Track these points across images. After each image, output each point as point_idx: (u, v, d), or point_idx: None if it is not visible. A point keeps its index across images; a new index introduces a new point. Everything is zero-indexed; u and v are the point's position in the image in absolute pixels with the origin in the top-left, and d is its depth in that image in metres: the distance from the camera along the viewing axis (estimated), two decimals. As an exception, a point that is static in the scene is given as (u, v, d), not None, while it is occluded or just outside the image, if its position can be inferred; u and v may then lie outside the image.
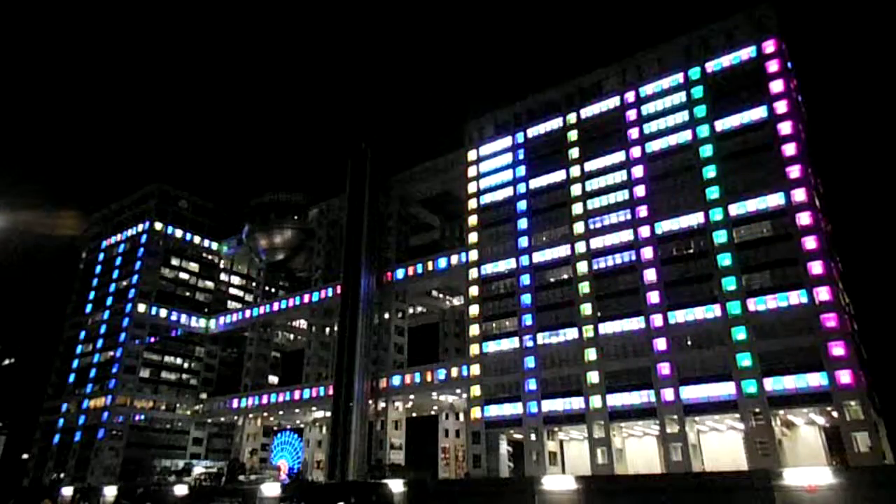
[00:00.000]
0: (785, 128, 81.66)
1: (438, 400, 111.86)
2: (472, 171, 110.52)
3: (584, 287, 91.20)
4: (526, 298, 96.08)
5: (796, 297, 75.00)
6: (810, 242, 75.99)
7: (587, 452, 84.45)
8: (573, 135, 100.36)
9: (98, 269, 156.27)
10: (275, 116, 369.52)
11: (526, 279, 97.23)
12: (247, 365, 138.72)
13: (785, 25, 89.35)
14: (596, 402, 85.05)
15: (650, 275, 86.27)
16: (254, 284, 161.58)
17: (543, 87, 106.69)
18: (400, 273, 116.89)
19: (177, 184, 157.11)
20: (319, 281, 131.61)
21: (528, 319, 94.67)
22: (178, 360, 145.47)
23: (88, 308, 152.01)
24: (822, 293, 73.73)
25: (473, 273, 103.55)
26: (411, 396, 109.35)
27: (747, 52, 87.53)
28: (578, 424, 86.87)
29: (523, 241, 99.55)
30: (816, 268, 74.73)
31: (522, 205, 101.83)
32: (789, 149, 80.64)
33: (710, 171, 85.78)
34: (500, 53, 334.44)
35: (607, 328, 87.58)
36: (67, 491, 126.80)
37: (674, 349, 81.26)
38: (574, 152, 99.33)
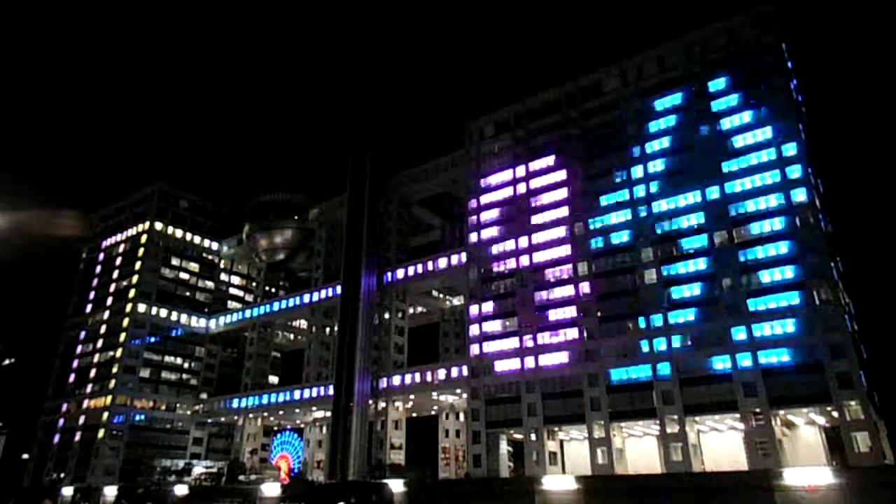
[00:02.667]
0: (785, 128, 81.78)
1: (438, 400, 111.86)
2: (472, 171, 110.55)
3: (585, 287, 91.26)
4: (526, 298, 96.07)
5: (796, 297, 75.16)
6: (810, 241, 76.14)
7: (587, 452, 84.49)
8: (573, 134, 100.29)
9: (98, 269, 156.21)
10: (275, 117, 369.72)
11: (526, 279, 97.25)
12: (247, 365, 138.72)
13: (785, 25, 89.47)
14: (596, 402, 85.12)
15: (650, 275, 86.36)
16: (254, 284, 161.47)
17: (544, 87, 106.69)
18: (400, 273, 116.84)
19: (177, 184, 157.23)
20: (319, 281, 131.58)
21: (528, 319, 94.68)
22: (178, 360, 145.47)
23: (88, 308, 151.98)
24: (822, 291, 73.90)
25: (473, 273, 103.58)
26: (411, 396, 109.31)
27: (747, 53, 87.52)
28: (578, 424, 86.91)
29: (523, 241, 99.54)
30: (815, 266, 74.85)
31: (523, 205, 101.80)
32: (789, 149, 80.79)
33: (710, 171, 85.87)
34: (500, 53, 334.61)
35: (607, 328, 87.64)
36: (67, 491, 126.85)
37: (674, 349, 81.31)
38: (574, 152, 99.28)
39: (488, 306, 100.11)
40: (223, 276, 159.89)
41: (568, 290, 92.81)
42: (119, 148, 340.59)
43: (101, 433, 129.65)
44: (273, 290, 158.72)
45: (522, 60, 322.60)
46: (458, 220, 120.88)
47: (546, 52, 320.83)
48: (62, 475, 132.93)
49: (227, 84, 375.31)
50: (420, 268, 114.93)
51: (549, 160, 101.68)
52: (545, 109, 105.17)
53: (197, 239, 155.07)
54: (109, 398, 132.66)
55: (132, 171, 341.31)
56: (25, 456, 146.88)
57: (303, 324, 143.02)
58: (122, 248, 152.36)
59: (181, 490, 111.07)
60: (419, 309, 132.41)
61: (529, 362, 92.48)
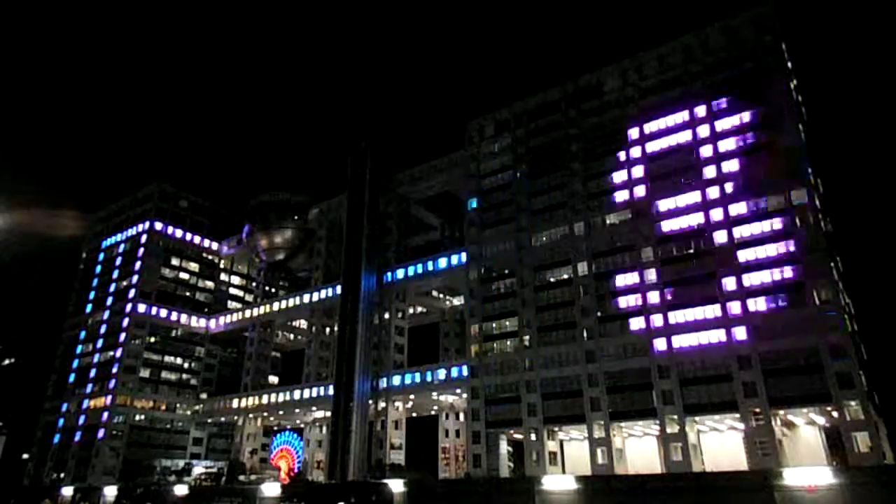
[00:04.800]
0: (785, 127, 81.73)
1: (438, 400, 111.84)
2: (472, 171, 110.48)
3: (585, 287, 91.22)
4: (526, 298, 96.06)
5: (796, 297, 75.14)
6: (810, 242, 76.12)
7: (587, 452, 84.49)
8: (574, 134, 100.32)
9: (98, 269, 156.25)
10: (275, 116, 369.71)
11: (526, 279, 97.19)
12: (247, 365, 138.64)
13: (785, 25, 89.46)
14: (596, 402, 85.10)
15: (650, 275, 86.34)
16: (254, 284, 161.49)
17: (544, 87, 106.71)
18: (400, 273, 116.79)
19: (177, 184, 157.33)
20: (319, 281, 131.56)
21: (528, 319, 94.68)
22: (178, 360, 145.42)
23: (88, 308, 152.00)
24: (822, 293, 73.89)
25: (473, 273, 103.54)
26: (411, 396, 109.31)
27: (746, 52, 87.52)
28: (578, 424, 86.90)
29: (523, 241, 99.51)
30: (815, 266, 74.83)
31: (523, 204, 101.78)
32: (789, 149, 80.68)
33: (710, 171, 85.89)
34: (500, 53, 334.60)
35: (608, 328, 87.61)
36: (67, 491, 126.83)
37: (674, 349, 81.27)
38: (574, 152, 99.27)
39: (489, 306, 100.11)
40: (223, 276, 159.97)
41: (567, 290, 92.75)
42: (119, 148, 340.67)
43: (101, 433, 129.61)
44: (273, 290, 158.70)
45: (523, 60, 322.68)
46: (457, 220, 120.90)
47: (546, 52, 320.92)
48: (62, 475, 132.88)
49: (227, 84, 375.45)
50: (420, 268, 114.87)
51: (549, 160, 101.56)
52: (545, 109, 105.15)
53: (197, 239, 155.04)
54: (109, 398, 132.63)
55: (132, 171, 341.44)
56: (25, 456, 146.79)
57: (303, 324, 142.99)
58: (122, 248, 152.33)
59: (181, 490, 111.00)
60: (419, 309, 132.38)
61: (530, 362, 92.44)
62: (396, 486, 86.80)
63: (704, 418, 79.90)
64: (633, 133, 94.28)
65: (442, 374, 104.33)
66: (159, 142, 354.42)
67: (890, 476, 62.98)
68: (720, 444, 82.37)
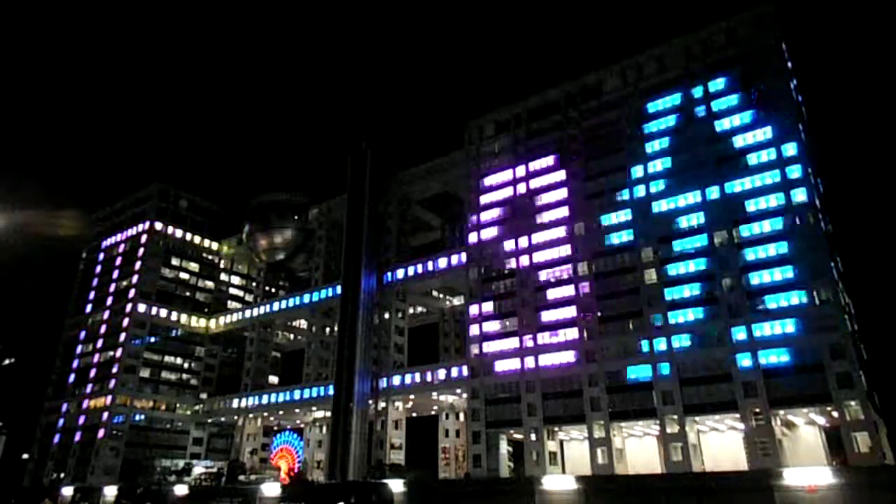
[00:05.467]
0: (785, 128, 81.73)
1: (438, 400, 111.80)
2: (472, 171, 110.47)
3: (585, 287, 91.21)
4: (526, 298, 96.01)
5: (796, 297, 75.14)
6: (810, 241, 76.12)
7: (587, 452, 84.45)
8: (574, 135, 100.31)
9: (98, 269, 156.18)
10: (275, 116, 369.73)
11: (526, 279, 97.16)
12: (247, 365, 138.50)
13: (786, 25, 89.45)
14: (596, 402, 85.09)
15: (650, 275, 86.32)
16: (254, 284, 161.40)
17: (544, 87, 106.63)
18: (400, 273, 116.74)
19: (177, 184, 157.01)
20: (319, 281, 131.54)
21: (528, 319, 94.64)
22: (178, 360, 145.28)
23: (88, 308, 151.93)
24: (822, 292, 73.89)
25: (473, 273, 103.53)
26: (411, 396, 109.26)
27: (747, 53, 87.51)
28: (578, 424, 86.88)
29: (523, 241, 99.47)
30: (816, 266, 74.82)
31: (523, 204, 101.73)
32: (789, 149, 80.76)
33: (710, 172, 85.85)
34: (500, 53, 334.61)
35: (607, 328, 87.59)
36: (67, 491, 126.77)
37: (674, 349, 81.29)
38: (574, 152, 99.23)
39: (488, 306, 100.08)
40: (223, 276, 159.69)
41: (568, 290, 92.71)
42: (119, 148, 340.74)
43: (101, 433, 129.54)
44: (273, 290, 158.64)
45: (523, 60, 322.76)
46: (458, 220, 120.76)
47: (546, 52, 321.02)
48: (62, 475, 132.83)
49: (227, 84, 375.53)
50: (420, 268, 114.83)
51: (549, 160, 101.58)
52: (545, 109, 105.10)
53: (197, 239, 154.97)
54: (109, 398, 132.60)
55: (132, 171, 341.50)
56: (25, 456, 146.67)
57: (303, 324, 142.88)
58: (122, 248, 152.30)
59: (181, 490, 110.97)
60: (419, 309, 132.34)
61: (529, 362, 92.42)
62: (396, 486, 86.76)
63: (704, 418, 79.89)
64: (634, 133, 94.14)
65: (442, 374, 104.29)
66: (159, 142, 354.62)
67: (890, 476, 62.97)
68: (720, 444, 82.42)
